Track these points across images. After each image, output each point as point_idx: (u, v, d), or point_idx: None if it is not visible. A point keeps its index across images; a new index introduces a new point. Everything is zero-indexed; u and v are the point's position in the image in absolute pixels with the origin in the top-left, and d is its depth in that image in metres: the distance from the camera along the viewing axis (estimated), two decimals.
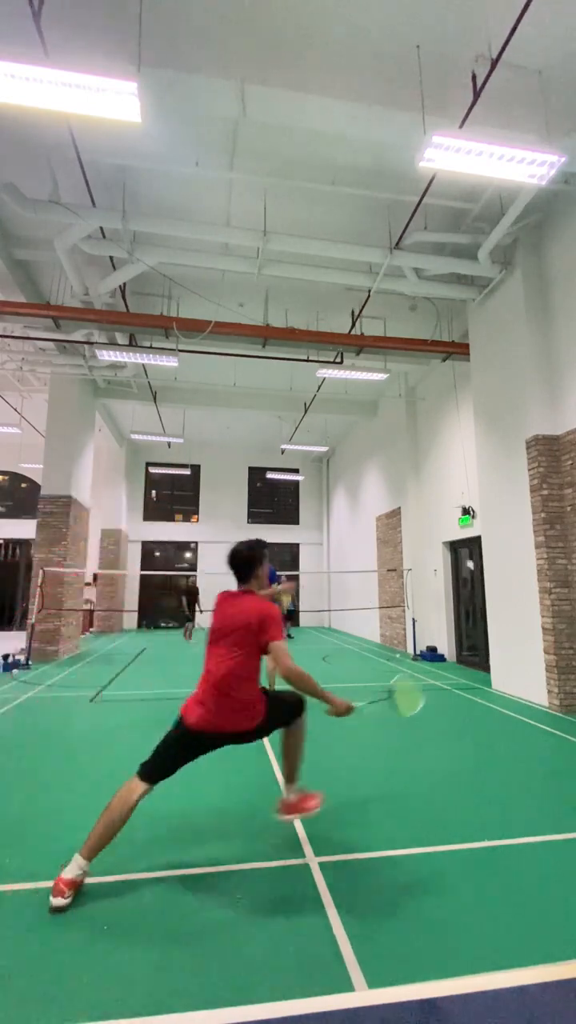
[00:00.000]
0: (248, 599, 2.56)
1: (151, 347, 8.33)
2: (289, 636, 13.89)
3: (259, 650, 2.45)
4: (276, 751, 4.17)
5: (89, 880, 2.29)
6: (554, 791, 3.37)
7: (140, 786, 2.35)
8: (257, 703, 2.50)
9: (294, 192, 6.27)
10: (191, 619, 13.24)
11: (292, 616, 14.08)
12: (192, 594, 13.47)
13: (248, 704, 2.46)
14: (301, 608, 17.58)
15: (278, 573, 14.47)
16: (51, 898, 2.14)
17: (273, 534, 18.08)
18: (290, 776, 2.77)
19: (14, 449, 16.30)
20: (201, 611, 13.55)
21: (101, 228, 6.38)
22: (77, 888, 2.20)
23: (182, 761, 2.44)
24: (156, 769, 2.40)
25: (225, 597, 2.68)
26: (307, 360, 8.55)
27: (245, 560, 2.68)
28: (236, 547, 2.73)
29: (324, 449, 14.86)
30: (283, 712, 2.62)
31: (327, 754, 4.10)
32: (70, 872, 2.20)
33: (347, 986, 1.70)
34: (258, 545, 2.75)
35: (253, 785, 3.47)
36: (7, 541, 16.63)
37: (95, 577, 15.65)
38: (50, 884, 2.23)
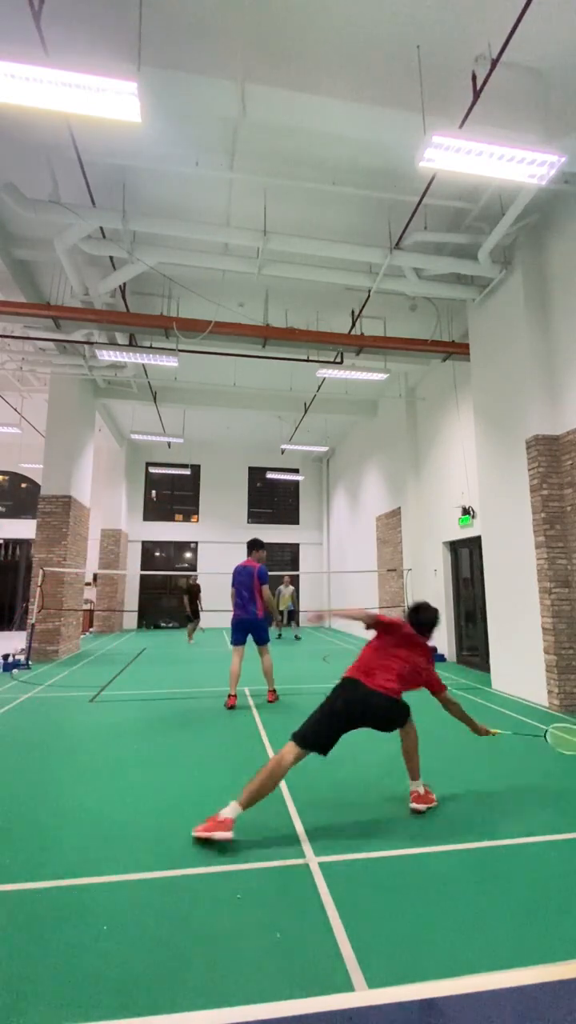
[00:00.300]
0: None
1: (151, 347, 8.33)
2: (297, 638, 13.87)
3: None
4: (273, 741, 4.18)
5: (89, 880, 2.30)
6: (554, 791, 3.37)
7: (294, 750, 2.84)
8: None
9: (294, 192, 6.28)
10: (193, 619, 12.98)
11: (293, 615, 14.12)
12: (193, 593, 13.30)
13: None
14: (301, 608, 17.58)
15: (283, 575, 14.48)
16: (215, 833, 2.60)
17: (273, 534, 18.08)
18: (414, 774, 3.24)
19: (14, 449, 16.31)
20: (203, 610, 13.45)
21: (101, 228, 6.39)
22: (229, 826, 2.64)
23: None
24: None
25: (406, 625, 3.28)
26: (307, 360, 8.55)
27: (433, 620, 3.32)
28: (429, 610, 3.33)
29: (324, 449, 14.87)
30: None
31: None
32: (229, 812, 2.67)
33: (347, 986, 1.70)
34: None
35: None
36: (7, 541, 16.63)
37: (95, 577, 15.65)
38: (50, 884, 2.24)
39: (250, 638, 5.85)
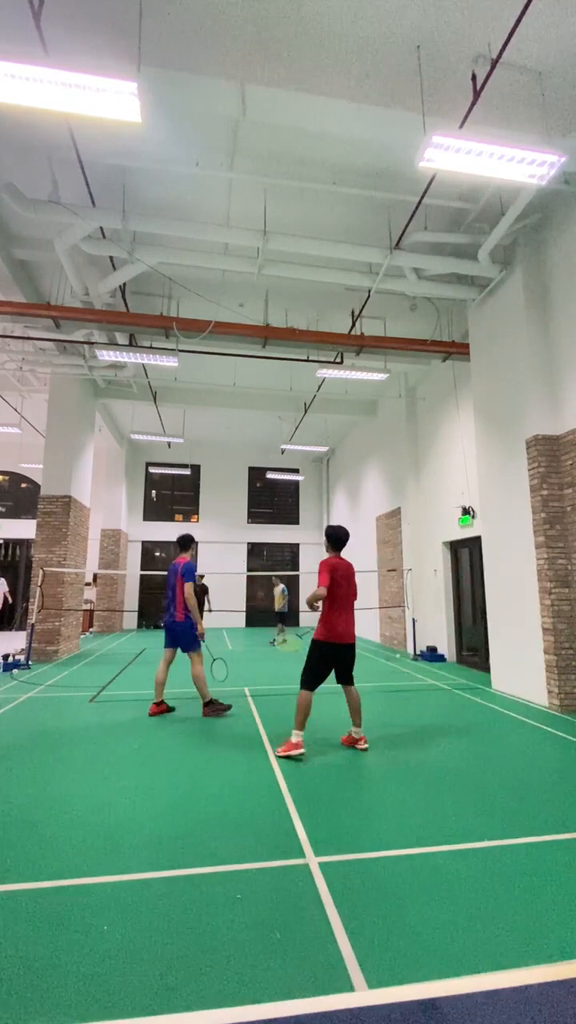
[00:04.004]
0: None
1: (151, 347, 8.33)
2: (299, 636, 13.47)
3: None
4: (273, 741, 4.20)
5: (89, 880, 2.30)
6: (554, 791, 3.37)
7: (311, 693, 4.10)
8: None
9: (294, 192, 6.28)
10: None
11: (285, 617, 13.52)
12: (200, 594, 13.36)
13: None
14: (301, 609, 17.57)
15: (270, 575, 14.21)
16: (291, 751, 3.90)
17: (273, 534, 18.09)
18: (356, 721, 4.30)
19: (14, 449, 16.32)
20: (211, 610, 13.47)
21: (101, 228, 6.38)
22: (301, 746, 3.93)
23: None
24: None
25: (339, 560, 4.38)
26: (307, 360, 8.55)
27: (346, 537, 4.52)
28: (338, 529, 4.50)
29: (324, 449, 14.87)
30: None
31: (328, 754, 4.11)
32: (296, 738, 3.94)
33: (347, 986, 1.70)
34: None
35: (253, 785, 3.47)
36: (7, 541, 16.63)
37: (95, 577, 15.65)
38: (50, 884, 2.25)
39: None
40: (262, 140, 5.50)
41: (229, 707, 5.40)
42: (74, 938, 1.95)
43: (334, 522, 17.36)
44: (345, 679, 4.34)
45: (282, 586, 12.89)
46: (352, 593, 4.36)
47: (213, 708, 5.34)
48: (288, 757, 3.94)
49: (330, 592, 4.21)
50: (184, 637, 5.39)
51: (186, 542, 5.71)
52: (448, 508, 9.49)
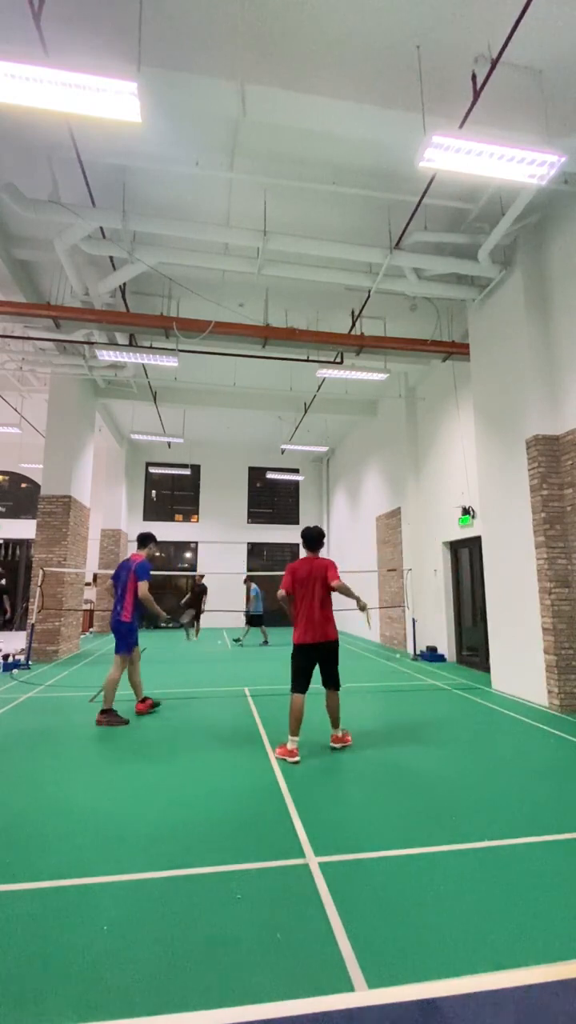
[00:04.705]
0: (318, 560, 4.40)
1: (151, 347, 8.33)
2: (237, 639, 12.69)
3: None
4: (273, 741, 4.19)
5: (89, 880, 2.31)
6: (554, 791, 3.37)
7: (300, 696, 4.11)
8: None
9: (294, 192, 6.28)
10: (196, 619, 13.15)
11: (257, 620, 12.37)
12: (197, 594, 13.39)
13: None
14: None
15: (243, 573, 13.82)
16: (288, 758, 3.89)
17: (273, 534, 18.09)
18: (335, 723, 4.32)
19: (14, 449, 16.32)
20: (204, 611, 13.48)
21: (101, 228, 6.38)
22: (296, 753, 3.93)
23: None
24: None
25: (301, 562, 4.39)
26: (307, 360, 8.55)
27: (317, 537, 4.47)
28: (311, 529, 4.50)
29: (324, 449, 14.87)
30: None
31: (328, 754, 4.11)
32: (291, 745, 3.95)
33: (347, 986, 1.70)
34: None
35: (254, 785, 3.47)
36: (7, 541, 16.63)
37: (95, 577, 15.65)
38: (50, 884, 2.25)
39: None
40: (262, 140, 5.50)
41: (127, 721, 4.99)
42: (74, 938, 1.95)
43: (334, 522, 17.36)
44: (326, 682, 4.29)
45: (254, 586, 12.60)
46: (313, 591, 4.23)
47: (108, 717, 4.95)
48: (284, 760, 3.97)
49: (294, 593, 4.30)
50: (119, 635, 5.12)
51: (144, 539, 5.47)
52: (448, 508, 9.48)
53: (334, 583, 4.19)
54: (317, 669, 4.24)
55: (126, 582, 5.17)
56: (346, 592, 4.19)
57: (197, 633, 13.44)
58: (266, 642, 12.20)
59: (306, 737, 4.44)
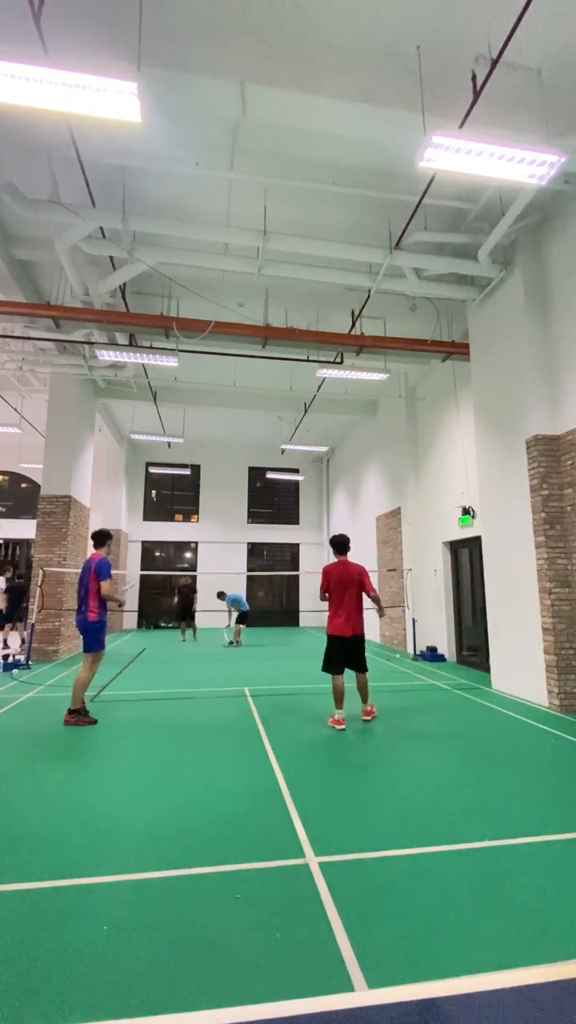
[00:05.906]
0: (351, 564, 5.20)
1: (151, 347, 8.33)
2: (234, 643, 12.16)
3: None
4: (273, 741, 4.20)
5: (89, 880, 2.31)
6: (554, 791, 3.37)
7: (339, 677, 4.97)
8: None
9: (294, 192, 6.27)
10: (184, 620, 13.20)
11: (245, 618, 12.16)
12: (188, 594, 13.40)
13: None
14: (301, 608, 17.58)
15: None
16: (337, 726, 4.75)
17: (273, 534, 18.08)
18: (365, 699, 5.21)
19: (14, 449, 16.30)
20: (195, 611, 13.50)
21: (101, 228, 6.38)
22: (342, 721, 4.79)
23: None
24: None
25: (335, 566, 5.18)
26: (307, 360, 8.55)
27: (345, 543, 5.34)
28: (340, 536, 5.39)
29: (324, 449, 14.86)
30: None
31: (328, 754, 4.11)
32: (338, 715, 4.81)
33: (347, 986, 1.70)
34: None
35: (254, 785, 3.47)
36: (7, 541, 16.63)
37: None
38: (50, 884, 2.25)
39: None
40: (262, 140, 5.50)
41: (95, 721, 4.95)
42: (74, 938, 1.95)
43: (334, 522, 17.37)
44: (353, 667, 5.10)
45: (227, 595, 12.41)
46: (349, 593, 5.09)
47: (77, 717, 4.92)
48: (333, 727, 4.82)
49: (329, 592, 5.17)
50: (87, 635, 5.10)
51: (101, 538, 5.40)
52: (448, 508, 9.48)
53: (372, 594, 5.11)
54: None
55: (88, 583, 5.13)
56: (377, 601, 5.14)
57: (195, 635, 13.46)
58: (237, 643, 11.80)
59: (307, 738, 4.45)
